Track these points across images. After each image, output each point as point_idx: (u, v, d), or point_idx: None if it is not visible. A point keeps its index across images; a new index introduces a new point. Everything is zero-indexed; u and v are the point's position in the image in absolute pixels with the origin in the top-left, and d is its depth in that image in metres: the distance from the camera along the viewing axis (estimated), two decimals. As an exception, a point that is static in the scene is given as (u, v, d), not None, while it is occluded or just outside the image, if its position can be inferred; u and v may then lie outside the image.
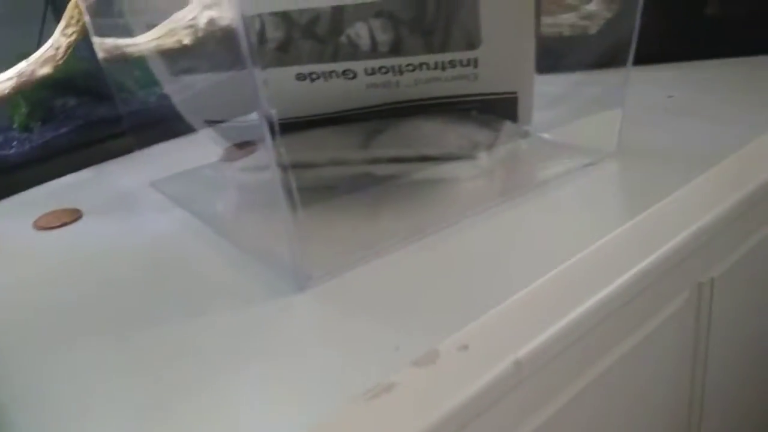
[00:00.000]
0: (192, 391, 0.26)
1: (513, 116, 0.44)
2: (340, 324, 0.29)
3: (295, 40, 0.39)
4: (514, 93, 0.42)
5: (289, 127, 0.44)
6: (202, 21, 0.48)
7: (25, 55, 0.56)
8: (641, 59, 0.63)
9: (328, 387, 0.26)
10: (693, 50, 0.68)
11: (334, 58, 0.39)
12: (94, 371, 0.28)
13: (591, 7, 0.57)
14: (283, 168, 0.30)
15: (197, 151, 0.51)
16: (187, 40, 0.50)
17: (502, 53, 0.38)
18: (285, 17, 0.38)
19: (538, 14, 0.52)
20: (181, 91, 0.45)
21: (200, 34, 0.47)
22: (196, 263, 0.37)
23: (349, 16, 0.37)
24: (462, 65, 0.39)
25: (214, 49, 0.42)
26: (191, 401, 0.26)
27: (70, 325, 0.32)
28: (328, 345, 0.28)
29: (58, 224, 0.45)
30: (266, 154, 0.30)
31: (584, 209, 0.37)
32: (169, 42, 0.53)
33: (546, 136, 0.47)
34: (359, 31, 0.38)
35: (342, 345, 0.28)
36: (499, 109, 0.44)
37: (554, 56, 0.49)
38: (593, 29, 0.54)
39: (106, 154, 0.55)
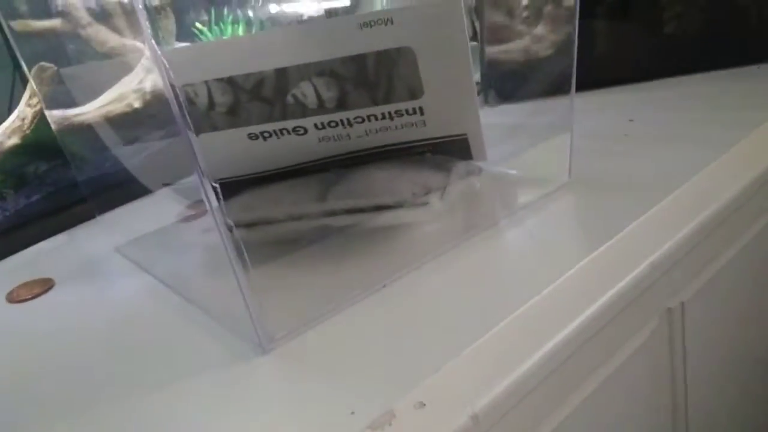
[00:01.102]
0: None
1: (467, 155, 0.44)
2: (300, 388, 0.29)
3: (243, 103, 0.39)
4: (464, 135, 0.41)
5: (245, 183, 0.44)
6: (148, 84, 0.48)
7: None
8: (602, 83, 0.62)
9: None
10: (654, 70, 0.68)
11: (284, 116, 0.39)
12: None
13: (538, 31, 0.57)
14: (230, 230, 0.30)
15: (160, 210, 0.50)
16: (137, 104, 0.50)
17: (445, 100, 0.38)
18: (231, 82, 0.37)
19: (482, 50, 0.51)
20: (133, 156, 0.45)
21: (147, 97, 0.46)
22: (162, 330, 0.36)
23: (293, 76, 0.37)
24: (408, 114, 0.39)
25: (157, 114, 0.41)
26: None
27: (43, 404, 0.32)
28: (286, 411, 0.28)
29: (30, 296, 0.44)
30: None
31: (541, 246, 0.37)
32: (120, 107, 0.53)
33: (501, 169, 0.47)
34: (304, 90, 0.38)
35: (300, 411, 0.27)
36: (453, 150, 0.44)
37: (508, 85, 0.49)
38: (545, 53, 0.54)
39: (76, 218, 0.54)
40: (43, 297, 0.44)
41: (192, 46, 0.55)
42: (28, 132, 0.53)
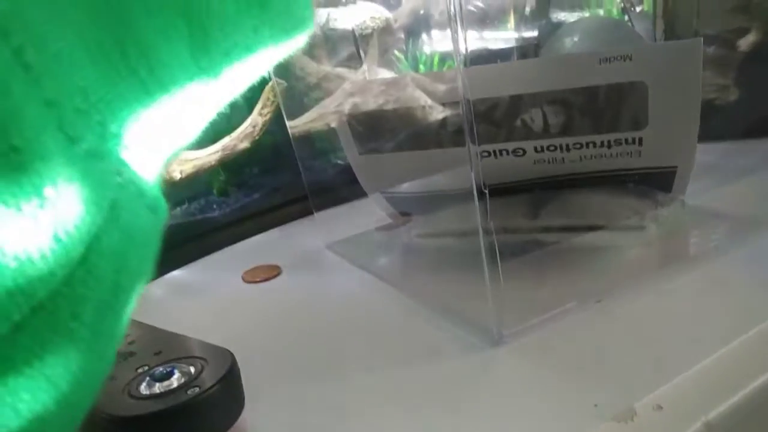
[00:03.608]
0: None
1: (668, 188, 0.46)
2: (539, 379, 0.32)
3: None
4: (675, 167, 0.43)
5: (452, 197, 0.48)
6: (346, 107, 0.53)
7: (224, 131, 0.63)
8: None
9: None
10: None
11: (507, 138, 0.43)
12: (305, 408, 0.32)
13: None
14: (488, 232, 0.34)
15: (366, 215, 0.56)
16: (333, 124, 0.56)
17: (666, 131, 0.40)
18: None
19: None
20: (365, 166, 0.50)
21: (344, 118, 0.52)
22: (387, 318, 0.41)
23: (526, 102, 0.41)
24: (627, 143, 0.41)
25: (398, 131, 0.46)
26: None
27: (290, 366, 0.37)
28: (529, 397, 0.31)
29: (261, 278, 0.50)
30: (473, 220, 0.34)
31: (752, 282, 0.38)
32: (319, 125, 0.60)
33: (700, 204, 0.48)
34: (533, 116, 0.41)
35: (543, 398, 0.30)
36: (654, 181, 0.45)
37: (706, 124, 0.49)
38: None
39: (288, 215, 0.61)
40: (274, 281, 0.50)
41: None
42: (257, 138, 0.60)
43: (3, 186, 0.12)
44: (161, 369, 0.31)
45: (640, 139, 0.41)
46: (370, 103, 0.53)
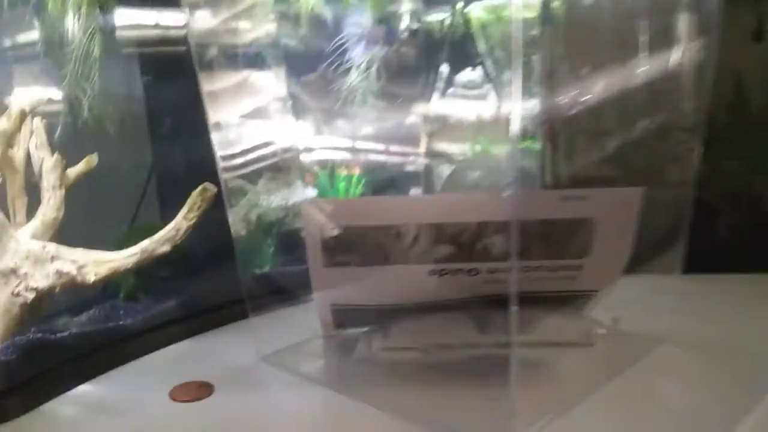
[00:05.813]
0: None
1: (582, 307, 0.51)
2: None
3: (437, 245, 0.45)
4: (596, 291, 0.49)
5: (405, 310, 0.49)
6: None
7: (139, 230, 0.59)
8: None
9: None
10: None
11: (465, 259, 0.46)
12: None
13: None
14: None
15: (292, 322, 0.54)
16: None
17: (602, 263, 0.46)
18: (438, 227, 0.44)
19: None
20: (326, 277, 0.48)
21: (318, 232, 0.51)
22: None
23: (490, 230, 0.44)
24: (568, 269, 0.46)
25: (367, 247, 0.47)
26: None
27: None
28: None
29: (191, 398, 0.45)
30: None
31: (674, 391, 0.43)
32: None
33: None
34: (495, 241, 0.45)
35: None
36: (574, 302, 0.51)
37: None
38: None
39: (209, 323, 0.57)
40: (207, 401, 0.45)
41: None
42: (178, 242, 0.56)
43: None
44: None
45: (580, 267, 0.46)
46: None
